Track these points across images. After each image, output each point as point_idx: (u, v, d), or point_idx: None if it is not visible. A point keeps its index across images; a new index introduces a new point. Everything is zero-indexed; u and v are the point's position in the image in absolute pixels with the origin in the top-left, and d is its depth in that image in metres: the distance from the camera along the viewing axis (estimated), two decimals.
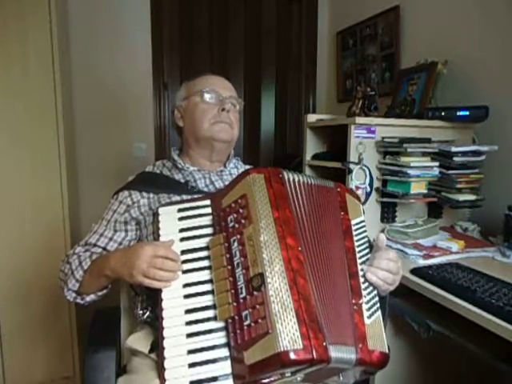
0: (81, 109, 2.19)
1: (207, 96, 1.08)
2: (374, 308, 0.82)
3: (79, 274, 0.95)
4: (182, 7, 2.40)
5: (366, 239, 0.92)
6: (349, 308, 0.79)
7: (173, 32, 2.40)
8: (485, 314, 0.91)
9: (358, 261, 0.86)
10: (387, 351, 0.79)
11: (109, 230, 1.03)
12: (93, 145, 2.23)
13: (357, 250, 0.87)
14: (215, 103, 1.08)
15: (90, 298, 0.98)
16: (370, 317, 0.80)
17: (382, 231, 1.49)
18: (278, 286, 0.71)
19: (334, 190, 0.94)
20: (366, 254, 0.88)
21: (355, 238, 0.89)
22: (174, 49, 2.41)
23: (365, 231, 0.93)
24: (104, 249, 1.02)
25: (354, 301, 0.80)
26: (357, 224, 0.92)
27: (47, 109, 1.75)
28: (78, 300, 0.98)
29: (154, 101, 2.37)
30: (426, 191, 1.47)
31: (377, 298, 0.85)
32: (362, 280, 0.83)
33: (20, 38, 1.68)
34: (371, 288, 0.84)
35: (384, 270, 0.84)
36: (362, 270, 0.85)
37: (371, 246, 0.92)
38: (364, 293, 0.82)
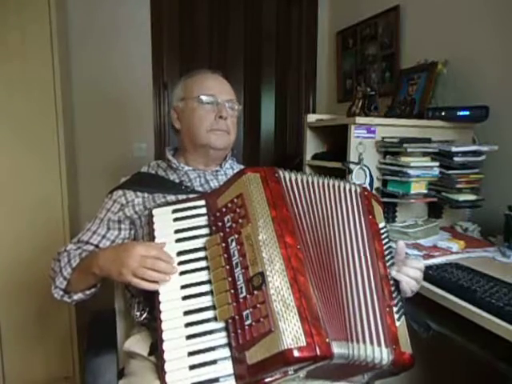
0: (80, 109, 2.19)
1: (204, 102, 1.06)
2: (401, 311, 0.83)
3: (67, 271, 0.95)
4: (182, 7, 2.40)
5: (389, 244, 0.92)
6: (378, 309, 0.80)
7: (173, 32, 2.40)
8: (485, 314, 0.91)
9: (387, 263, 0.87)
10: (412, 353, 0.80)
11: (102, 227, 1.03)
12: (93, 145, 2.23)
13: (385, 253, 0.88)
14: (212, 109, 1.07)
15: (77, 296, 0.97)
16: (398, 319, 0.81)
17: None
18: (278, 284, 0.71)
19: (361, 192, 0.94)
20: (391, 259, 0.89)
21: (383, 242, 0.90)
22: (173, 49, 2.41)
23: (387, 236, 0.94)
24: (96, 246, 1.02)
25: (386, 303, 0.81)
26: (382, 229, 0.92)
27: (47, 108, 1.76)
28: (65, 298, 0.97)
29: (153, 101, 2.37)
30: (426, 191, 1.46)
31: (401, 302, 0.86)
32: (391, 283, 0.85)
33: (20, 34, 1.67)
34: (397, 292, 0.86)
35: (412, 278, 0.87)
36: (389, 273, 0.86)
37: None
38: (393, 295, 0.83)
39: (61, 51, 1.81)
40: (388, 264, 0.87)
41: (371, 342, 0.76)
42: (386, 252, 0.89)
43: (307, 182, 0.88)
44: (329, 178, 0.92)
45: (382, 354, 0.75)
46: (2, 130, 1.71)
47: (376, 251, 0.87)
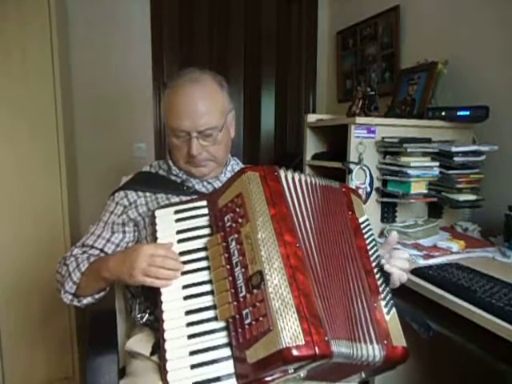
0: (81, 109, 2.19)
1: (177, 134, 0.99)
2: (390, 304, 0.83)
3: (76, 276, 0.94)
4: (182, 7, 2.40)
5: (373, 237, 0.93)
6: (366, 305, 0.80)
7: (173, 32, 2.40)
8: (485, 314, 0.91)
9: (371, 258, 0.87)
10: (405, 345, 0.80)
11: (106, 231, 1.02)
12: (93, 146, 2.23)
13: (368, 247, 0.88)
14: (186, 143, 1.00)
15: (87, 300, 0.97)
16: (388, 313, 0.81)
17: (382, 231, 1.49)
18: (277, 282, 0.71)
19: (340, 189, 0.95)
20: (376, 252, 0.90)
21: (364, 237, 0.90)
22: (173, 49, 2.41)
23: (370, 229, 0.94)
24: (101, 250, 1.01)
25: (373, 298, 0.81)
26: (363, 223, 0.93)
27: (47, 108, 1.75)
28: (75, 302, 0.97)
29: (153, 101, 2.37)
30: (426, 191, 1.46)
31: (390, 294, 0.86)
32: (376, 277, 0.85)
33: (20, 40, 1.67)
34: (385, 284, 0.86)
35: (401, 269, 0.87)
36: (375, 267, 0.86)
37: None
38: (380, 289, 0.83)
39: (61, 52, 1.80)
40: (373, 258, 0.87)
41: (364, 341, 0.76)
42: (370, 246, 0.89)
43: (305, 181, 0.89)
44: (315, 177, 0.92)
45: (374, 352, 0.75)
46: (3, 129, 1.70)
47: (359, 247, 0.87)
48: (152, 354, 0.88)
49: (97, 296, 0.97)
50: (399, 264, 0.87)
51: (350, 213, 0.91)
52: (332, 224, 0.87)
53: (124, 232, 1.03)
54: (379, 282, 0.84)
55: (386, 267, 0.86)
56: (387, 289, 0.86)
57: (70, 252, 1.01)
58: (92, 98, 2.21)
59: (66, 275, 0.96)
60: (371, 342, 0.76)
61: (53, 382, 1.87)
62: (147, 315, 0.94)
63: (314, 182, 0.90)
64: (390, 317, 0.81)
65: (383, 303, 0.81)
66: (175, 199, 1.01)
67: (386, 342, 0.76)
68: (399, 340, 0.79)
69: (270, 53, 2.65)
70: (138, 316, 0.95)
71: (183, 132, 0.98)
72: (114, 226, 1.03)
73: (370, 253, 0.88)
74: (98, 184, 2.19)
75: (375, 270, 0.85)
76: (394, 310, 0.83)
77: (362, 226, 0.91)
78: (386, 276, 0.86)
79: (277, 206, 0.79)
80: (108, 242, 1.01)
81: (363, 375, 0.85)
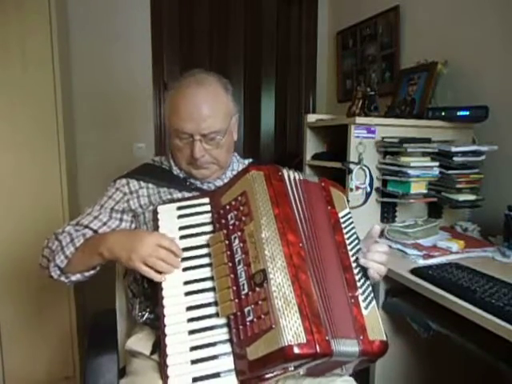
0: (80, 109, 2.19)
1: (180, 136, 0.99)
2: (369, 298, 0.83)
3: (70, 250, 0.92)
4: (182, 7, 2.40)
5: (354, 230, 0.92)
6: (347, 302, 0.79)
7: (173, 32, 2.40)
8: (485, 314, 0.91)
9: (350, 253, 0.87)
10: (385, 339, 0.80)
11: (104, 214, 1.01)
12: (93, 145, 2.23)
13: (347, 242, 0.88)
14: (189, 145, 0.99)
15: (75, 277, 0.94)
16: (366, 307, 0.81)
17: (382, 231, 1.49)
18: (280, 281, 0.72)
19: (319, 184, 0.94)
20: (356, 245, 0.89)
21: (344, 231, 0.90)
22: (173, 49, 2.41)
23: (352, 223, 0.93)
24: (95, 232, 0.99)
25: (350, 294, 0.81)
26: (344, 216, 0.92)
27: (47, 108, 1.75)
28: (63, 278, 0.94)
29: (153, 101, 2.37)
30: (425, 191, 1.47)
31: (370, 288, 0.86)
32: (355, 272, 0.84)
33: (20, 39, 1.67)
34: (364, 279, 0.85)
35: (378, 262, 0.86)
36: (354, 262, 0.86)
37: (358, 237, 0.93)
38: (358, 284, 0.83)
39: (61, 52, 1.80)
40: (352, 253, 0.87)
41: (346, 337, 0.75)
42: (349, 240, 0.89)
43: (301, 180, 0.89)
44: (304, 175, 0.92)
45: (350, 347, 0.74)
46: (3, 129, 1.70)
47: (337, 243, 0.86)
48: (152, 353, 0.88)
49: (87, 274, 0.94)
50: (377, 257, 0.86)
51: (329, 208, 0.91)
52: (319, 221, 0.87)
53: (121, 220, 1.02)
54: (357, 277, 0.84)
55: (362, 261, 0.85)
56: (367, 283, 0.85)
57: (62, 229, 0.99)
58: (92, 98, 2.21)
59: (57, 249, 0.93)
60: (349, 338, 0.75)
61: (53, 381, 1.87)
62: (147, 313, 0.94)
63: (305, 180, 0.91)
64: (369, 311, 0.81)
65: (361, 298, 0.81)
66: (177, 194, 1.01)
67: (361, 337, 0.76)
68: (378, 334, 0.79)
69: (270, 53, 2.65)
70: (139, 314, 0.95)
71: (186, 134, 0.98)
72: (112, 212, 1.01)
73: (350, 247, 0.87)
74: (97, 184, 2.18)
75: (354, 265, 0.85)
76: (373, 303, 0.83)
77: (342, 220, 0.91)
78: (365, 270, 0.86)
79: (280, 206, 0.80)
80: (104, 226, 1.00)
81: (344, 370, 0.84)
